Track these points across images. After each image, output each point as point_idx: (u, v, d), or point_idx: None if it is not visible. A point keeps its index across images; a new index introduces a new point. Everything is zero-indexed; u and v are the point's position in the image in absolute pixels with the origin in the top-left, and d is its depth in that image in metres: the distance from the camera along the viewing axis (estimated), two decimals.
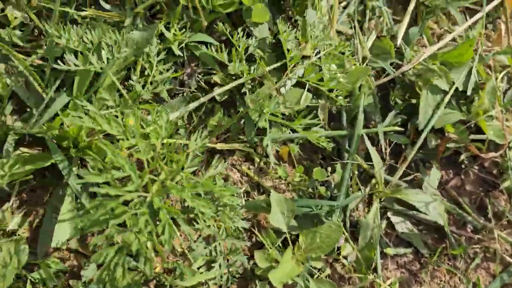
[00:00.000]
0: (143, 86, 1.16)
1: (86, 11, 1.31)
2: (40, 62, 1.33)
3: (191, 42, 1.37)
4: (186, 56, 1.42)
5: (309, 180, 1.46)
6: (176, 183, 0.99)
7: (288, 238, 1.34)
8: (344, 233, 1.39)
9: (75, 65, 1.09)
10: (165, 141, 1.03)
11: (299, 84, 1.45)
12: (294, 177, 1.44)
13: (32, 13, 1.38)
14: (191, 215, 1.33)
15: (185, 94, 1.41)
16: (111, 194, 0.87)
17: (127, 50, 1.11)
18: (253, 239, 1.41)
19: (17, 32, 1.36)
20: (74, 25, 1.15)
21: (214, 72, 1.45)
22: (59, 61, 1.11)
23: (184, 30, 1.36)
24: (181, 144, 1.16)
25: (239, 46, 1.28)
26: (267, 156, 1.47)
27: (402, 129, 1.53)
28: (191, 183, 0.96)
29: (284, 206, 1.33)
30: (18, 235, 1.30)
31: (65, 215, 1.26)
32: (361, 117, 1.46)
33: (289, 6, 1.52)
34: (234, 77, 1.42)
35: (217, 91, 1.38)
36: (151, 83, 1.16)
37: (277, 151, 1.49)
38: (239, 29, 1.31)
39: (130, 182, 0.92)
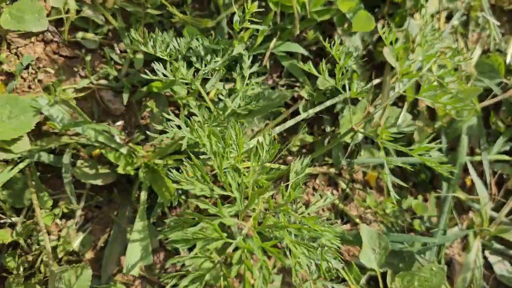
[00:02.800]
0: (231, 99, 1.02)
1: (174, 16, 1.19)
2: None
3: (279, 51, 1.23)
4: (270, 66, 1.28)
5: (399, 210, 1.29)
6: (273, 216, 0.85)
7: (380, 279, 1.18)
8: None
9: (164, 75, 0.96)
10: (267, 165, 0.89)
11: (394, 103, 1.29)
12: (385, 207, 1.27)
13: (108, 14, 1.27)
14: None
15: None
16: (210, 211, 0.73)
17: (218, 60, 0.98)
18: None
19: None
20: (160, 31, 1.03)
21: (298, 85, 1.30)
22: (146, 70, 0.99)
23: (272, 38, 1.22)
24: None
25: (339, 58, 1.12)
26: (353, 181, 1.31)
27: (510, 158, 1.34)
28: (297, 224, 0.81)
29: (376, 242, 1.17)
30: (82, 260, 1.19)
31: (136, 235, 1.14)
32: (464, 142, 1.28)
33: (384, 16, 1.36)
34: (322, 91, 1.27)
35: (303, 107, 1.24)
36: (241, 97, 1.02)
37: (363, 175, 1.33)
38: (335, 38, 1.16)
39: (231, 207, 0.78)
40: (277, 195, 1.20)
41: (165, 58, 0.98)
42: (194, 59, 1.00)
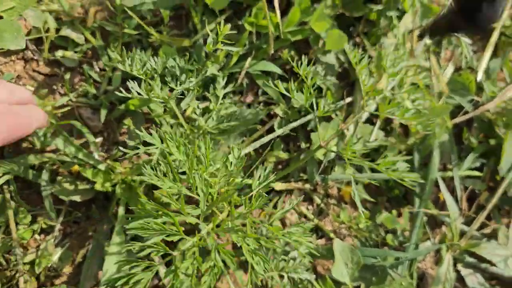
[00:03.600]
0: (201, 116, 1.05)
1: (151, 36, 1.22)
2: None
3: (254, 70, 1.26)
4: (246, 84, 1.31)
5: (373, 225, 1.32)
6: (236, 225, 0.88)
7: None
8: None
9: (138, 93, 0.99)
10: (231, 179, 0.92)
11: (367, 120, 1.33)
12: (358, 222, 1.30)
13: (88, 33, 1.30)
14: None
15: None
16: (174, 207, 0.77)
17: (192, 80, 1.00)
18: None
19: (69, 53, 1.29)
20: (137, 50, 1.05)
21: (274, 102, 1.33)
22: (121, 89, 1.02)
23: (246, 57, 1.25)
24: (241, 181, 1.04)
25: (305, 77, 1.15)
26: (327, 196, 1.34)
27: (481, 173, 1.37)
28: (254, 234, 0.84)
29: (349, 256, 1.19)
30: (60, 275, 1.21)
31: (113, 249, 1.16)
32: (435, 159, 1.31)
33: (358, 34, 1.39)
34: (297, 109, 1.30)
35: (278, 124, 1.26)
36: (212, 118, 1.05)
37: (338, 191, 1.36)
38: (304, 58, 1.19)
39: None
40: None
41: (141, 76, 1.01)
42: (169, 78, 1.03)
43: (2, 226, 1.21)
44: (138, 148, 1.10)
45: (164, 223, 0.81)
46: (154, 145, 0.98)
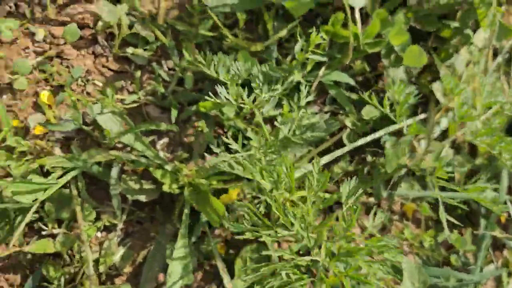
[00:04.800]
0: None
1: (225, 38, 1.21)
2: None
3: (327, 80, 1.25)
4: (314, 94, 1.29)
5: (435, 244, 1.30)
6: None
7: None
8: None
9: (226, 99, 0.97)
10: (320, 194, 0.90)
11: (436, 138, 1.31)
12: (423, 240, 1.28)
13: (158, 31, 1.29)
14: None
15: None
16: (286, 257, 0.75)
17: (278, 87, 0.99)
18: None
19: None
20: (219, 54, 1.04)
21: (341, 113, 1.31)
22: (210, 93, 1.00)
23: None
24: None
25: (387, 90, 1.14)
26: (392, 212, 1.32)
27: None
28: (365, 246, 0.82)
29: (416, 276, 1.17)
30: (121, 274, 1.20)
31: (178, 253, 1.15)
32: (504, 181, 1.29)
33: (428, 49, 1.37)
34: (366, 122, 1.28)
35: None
36: (294, 127, 1.03)
37: (401, 207, 1.34)
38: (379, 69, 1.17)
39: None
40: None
41: (227, 81, 0.99)
42: (255, 85, 1.01)
43: (65, 222, 1.20)
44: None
45: None
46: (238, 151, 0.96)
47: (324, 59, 1.03)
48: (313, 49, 0.97)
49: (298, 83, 1.18)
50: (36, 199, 1.12)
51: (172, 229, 1.23)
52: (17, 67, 1.21)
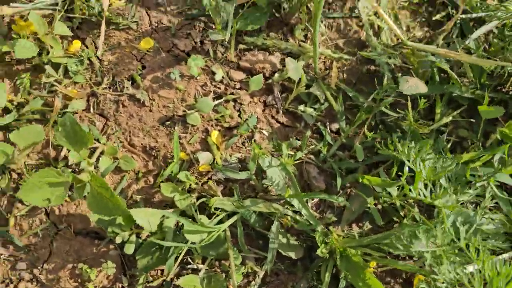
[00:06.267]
0: None
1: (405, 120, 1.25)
2: None
3: None
4: None
5: None
6: None
7: None
8: None
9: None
10: None
11: None
12: None
13: (329, 94, 1.33)
14: None
15: None
16: None
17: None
18: None
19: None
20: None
21: None
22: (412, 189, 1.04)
23: None
24: None
25: None
26: None
27: None
28: None
29: None
30: None
31: None
32: None
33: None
34: None
35: None
36: None
37: None
38: None
39: None
40: None
41: (425, 177, 1.03)
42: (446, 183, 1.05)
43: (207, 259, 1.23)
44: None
45: None
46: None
47: None
48: None
49: None
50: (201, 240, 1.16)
51: (306, 285, 1.26)
52: (199, 104, 1.26)
